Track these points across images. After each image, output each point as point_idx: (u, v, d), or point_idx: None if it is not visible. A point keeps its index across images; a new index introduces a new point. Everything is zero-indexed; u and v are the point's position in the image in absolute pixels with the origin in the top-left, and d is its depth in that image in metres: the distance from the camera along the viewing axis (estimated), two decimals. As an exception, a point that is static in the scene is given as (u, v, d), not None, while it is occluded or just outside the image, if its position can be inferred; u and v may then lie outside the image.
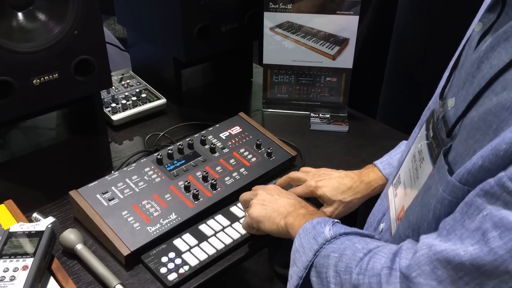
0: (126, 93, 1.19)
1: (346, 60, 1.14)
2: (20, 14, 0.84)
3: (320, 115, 1.17)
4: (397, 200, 0.71)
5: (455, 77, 0.60)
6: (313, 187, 0.86)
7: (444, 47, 1.05)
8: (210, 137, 1.02)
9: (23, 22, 0.84)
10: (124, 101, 1.15)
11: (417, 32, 1.17)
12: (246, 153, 0.99)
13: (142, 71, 1.30)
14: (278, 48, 1.16)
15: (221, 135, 1.03)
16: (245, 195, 0.84)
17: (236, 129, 1.05)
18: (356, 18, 1.09)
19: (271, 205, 0.77)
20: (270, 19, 1.12)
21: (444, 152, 0.54)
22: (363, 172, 0.89)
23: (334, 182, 0.86)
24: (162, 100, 1.19)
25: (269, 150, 1.00)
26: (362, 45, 1.31)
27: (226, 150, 0.99)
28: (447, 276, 0.47)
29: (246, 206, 0.83)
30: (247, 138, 1.03)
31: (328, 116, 1.17)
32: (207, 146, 0.99)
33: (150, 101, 1.18)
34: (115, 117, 1.11)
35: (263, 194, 0.79)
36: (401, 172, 0.73)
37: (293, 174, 0.91)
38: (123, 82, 1.24)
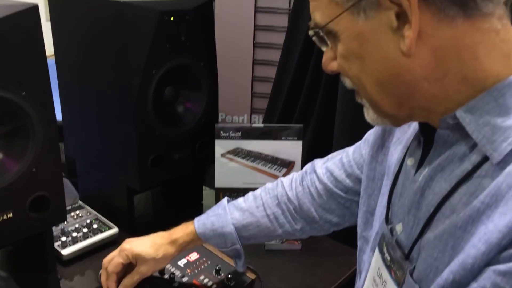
0: (76, 225, 1.16)
1: (294, 180, 1.22)
2: (-24, 155, 0.84)
3: (273, 234, 1.21)
4: None
5: (395, 205, 0.66)
6: (126, 248, 0.92)
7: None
8: (168, 266, 1.00)
9: (-21, 163, 0.83)
10: (74, 234, 1.12)
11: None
12: (206, 280, 0.99)
13: (92, 200, 1.28)
14: (229, 172, 1.22)
15: (179, 263, 1.02)
16: None
17: (193, 256, 1.05)
18: (299, 143, 1.19)
19: None
20: (221, 146, 1.20)
21: (409, 272, 0.59)
22: (175, 230, 0.96)
23: (146, 242, 0.93)
24: (114, 230, 1.17)
25: (229, 276, 1.00)
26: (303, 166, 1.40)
27: (185, 279, 0.98)
28: None
29: None
30: (206, 264, 1.03)
31: (281, 235, 1.21)
32: (166, 276, 0.97)
33: (101, 232, 1.15)
34: (65, 252, 1.07)
35: None
36: None
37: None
38: (72, 213, 1.21)
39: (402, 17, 0.50)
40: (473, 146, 0.53)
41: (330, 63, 0.60)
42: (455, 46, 0.51)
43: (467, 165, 0.53)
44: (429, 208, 0.57)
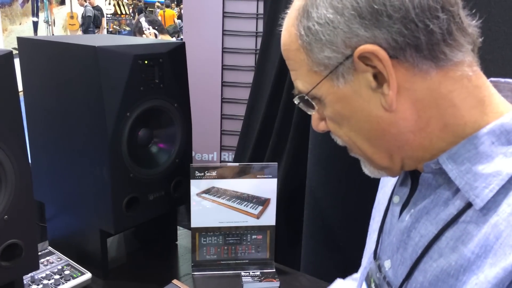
0: (47, 272, 1.12)
1: (269, 218, 1.23)
2: None
3: (251, 273, 1.21)
4: None
5: (384, 241, 0.68)
6: None
7: (353, 203, 1.20)
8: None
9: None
10: (45, 281, 1.08)
11: (329, 189, 1.33)
12: (185, 324, 0.97)
13: (62, 245, 1.25)
14: (205, 211, 1.21)
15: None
16: None
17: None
18: (274, 181, 1.21)
19: None
20: (196, 186, 1.20)
21: None
22: None
23: None
24: (87, 275, 1.14)
25: (208, 318, 0.98)
26: (277, 203, 1.42)
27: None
28: None
29: None
30: (185, 307, 1.01)
31: (258, 273, 1.21)
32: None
33: (74, 278, 1.12)
34: (36, 301, 1.03)
35: None
36: None
37: None
38: (42, 260, 1.17)
39: (380, 77, 0.54)
40: (456, 191, 0.56)
41: (319, 123, 0.63)
42: (433, 96, 0.54)
43: (452, 210, 0.56)
44: (416, 250, 0.59)
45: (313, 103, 0.60)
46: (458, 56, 0.53)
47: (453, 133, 0.55)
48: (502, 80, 0.59)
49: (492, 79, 0.58)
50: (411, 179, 0.64)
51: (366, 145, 0.59)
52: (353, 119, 0.58)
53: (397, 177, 0.69)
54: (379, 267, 0.67)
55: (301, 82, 0.59)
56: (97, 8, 8.46)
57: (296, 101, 0.62)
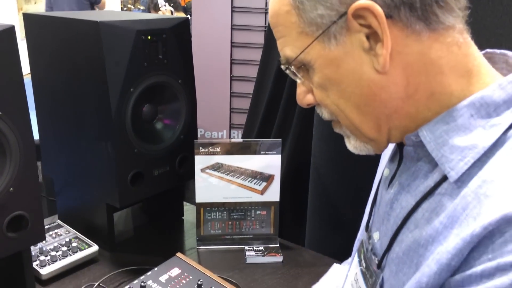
0: (55, 244, 1.15)
1: (273, 194, 1.24)
2: (-48, 176, 0.83)
3: (254, 247, 1.22)
4: None
5: (375, 213, 0.69)
6: None
7: (357, 179, 1.19)
8: (149, 282, 1.00)
9: (-45, 184, 0.83)
10: (53, 253, 1.11)
11: (333, 165, 1.32)
12: (188, 296, 0.99)
13: (70, 219, 1.27)
14: (210, 187, 1.23)
15: (160, 278, 1.02)
16: None
17: (175, 271, 1.05)
18: (278, 157, 1.22)
19: None
20: (200, 162, 1.21)
21: (380, 285, 0.61)
22: None
23: None
24: (94, 247, 1.16)
25: (211, 290, 1.00)
26: (283, 179, 1.42)
27: (167, 295, 0.98)
28: None
29: None
30: (188, 279, 1.03)
31: (262, 248, 1.22)
32: (147, 293, 0.97)
33: (81, 250, 1.14)
34: (44, 271, 1.06)
35: None
36: None
37: None
38: (50, 232, 1.20)
39: (373, 37, 0.53)
40: (435, 164, 0.55)
41: (305, 96, 0.61)
42: (423, 61, 0.53)
43: (430, 182, 0.56)
44: (397, 221, 0.59)
45: (298, 74, 0.59)
46: (449, 19, 0.52)
47: (439, 102, 0.55)
48: (498, 51, 0.58)
49: (489, 50, 0.57)
50: (400, 153, 0.64)
51: (354, 113, 0.58)
52: (343, 84, 0.56)
53: (391, 151, 0.69)
54: (369, 239, 0.68)
55: (290, 47, 0.58)
56: None
57: (283, 67, 0.61)
